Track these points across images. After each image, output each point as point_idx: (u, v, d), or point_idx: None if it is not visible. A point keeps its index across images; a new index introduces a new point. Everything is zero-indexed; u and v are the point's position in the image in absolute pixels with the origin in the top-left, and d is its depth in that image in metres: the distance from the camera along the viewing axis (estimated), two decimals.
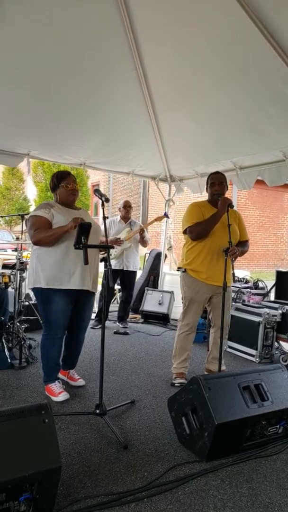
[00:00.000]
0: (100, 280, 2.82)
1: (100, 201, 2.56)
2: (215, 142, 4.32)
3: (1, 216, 16.72)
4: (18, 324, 3.78)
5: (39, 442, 1.56)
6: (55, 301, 2.68)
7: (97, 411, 2.39)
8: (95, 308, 5.31)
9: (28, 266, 2.78)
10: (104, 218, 2.59)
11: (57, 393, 2.75)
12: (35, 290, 2.75)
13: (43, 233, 2.60)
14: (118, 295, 5.97)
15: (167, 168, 5.41)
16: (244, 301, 4.35)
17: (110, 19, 3.10)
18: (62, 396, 2.74)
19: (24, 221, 4.25)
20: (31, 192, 21.63)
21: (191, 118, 4.09)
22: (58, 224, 2.66)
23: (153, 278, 6.10)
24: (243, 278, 5.02)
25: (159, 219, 5.23)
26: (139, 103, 4.06)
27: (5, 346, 3.49)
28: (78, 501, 1.71)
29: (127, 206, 5.02)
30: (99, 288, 3.08)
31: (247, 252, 3.28)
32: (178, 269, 3.34)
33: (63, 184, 2.79)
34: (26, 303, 4.32)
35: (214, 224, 3.05)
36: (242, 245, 3.22)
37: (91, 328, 4.84)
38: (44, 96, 3.76)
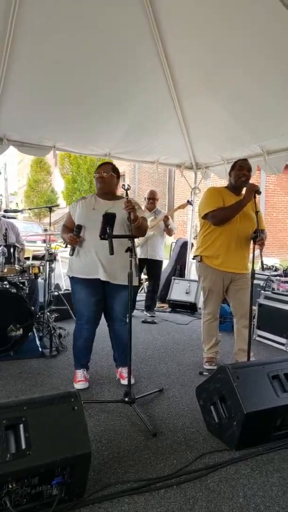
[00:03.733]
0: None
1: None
2: (242, 126, 4.18)
3: (30, 209, 17.09)
4: (48, 313, 3.87)
5: (69, 428, 1.59)
6: (77, 291, 2.77)
7: (126, 399, 2.41)
8: None
9: None
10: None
11: (77, 381, 2.81)
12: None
13: (62, 233, 2.89)
14: (145, 284, 5.98)
15: (192, 155, 5.32)
16: (273, 289, 4.26)
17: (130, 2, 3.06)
18: (79, 385, 2.77)
19: (51, 213, 4.33)
20: (58, 184, 21.90)
21: (216, 102, 3.98)
22: (78, 217, 2.77)
23: (179, 267, 6.07)
24: (273, 266, 4.92)
25: (182, 206, 5.18)
26: (163, 90, 3.99)
27: (36, 335, 3.59)
28: (108, 486, 1.75)
29: (150, 198, 4.99)
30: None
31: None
32: (194, 258, 3.31)
33: (94, 175, 2.89)
34: (56, 293, 4.41)
35: (238, 211, 2.99)
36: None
37: None
38: (67, 89, 3.77)
